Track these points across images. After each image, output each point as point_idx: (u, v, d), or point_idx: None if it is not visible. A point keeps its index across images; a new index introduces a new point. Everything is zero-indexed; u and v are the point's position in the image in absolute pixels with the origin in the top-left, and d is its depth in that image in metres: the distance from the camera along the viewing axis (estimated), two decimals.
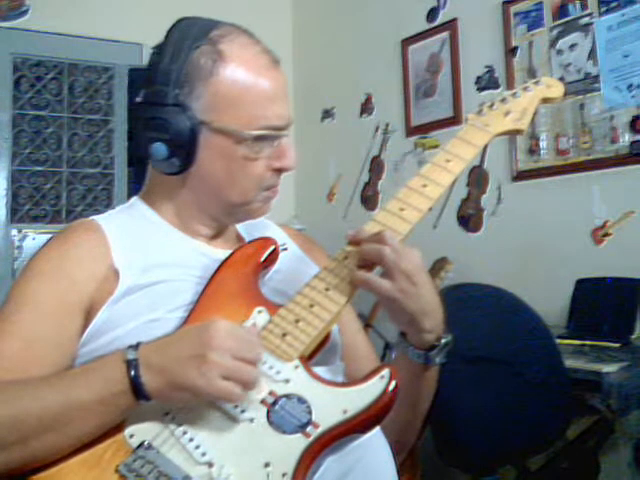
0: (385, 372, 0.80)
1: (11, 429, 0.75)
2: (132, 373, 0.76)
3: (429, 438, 1.76)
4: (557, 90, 1.05)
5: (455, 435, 1.75)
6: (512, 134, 1.05)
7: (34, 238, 3.00)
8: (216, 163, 0.93)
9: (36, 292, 0.88)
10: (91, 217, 0.99)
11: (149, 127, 0.92)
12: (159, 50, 0.95)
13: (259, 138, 0.92)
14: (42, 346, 0.85)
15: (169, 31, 0.96)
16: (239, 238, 1.08)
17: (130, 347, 0.79)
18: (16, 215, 3.06)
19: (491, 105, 1.03)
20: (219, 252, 0.98)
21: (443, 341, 0.90)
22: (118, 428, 0.79)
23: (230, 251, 0.97)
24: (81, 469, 0.77)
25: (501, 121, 1.00)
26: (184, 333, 0.82)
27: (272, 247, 0.97)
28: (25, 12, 3.05)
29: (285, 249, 1.02)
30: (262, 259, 0.95)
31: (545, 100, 1.05)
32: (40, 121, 3.12)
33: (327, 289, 0.87)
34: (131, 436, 0.78)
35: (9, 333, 0.85)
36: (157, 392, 0.77)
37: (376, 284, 0.86)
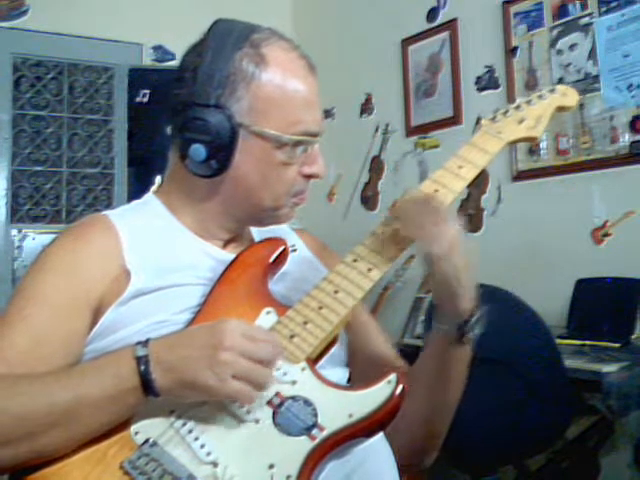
0: (392, 377, 0.80)
1: (19, 425, 0.75)
2: (142, 369, 0.76)
3: None
4: (572, 99, 1.04)
5: (455, 435, 1.75)
6: (526, 142, 1.04)
7: (34, 238, 3.00)
8: (252, 166, 0.93)
9: (47, 288, 0.88)
10: (104, 212, 0.98)
11: (187, 128, 0.91)
12: (197, 51, 0.93)
13: (297, 143, 0.92)
14: (50, 343, 0.85)
15: (207, 32, 0.94)
16: (252, 242, 1.07)
17: (139, 343, 0.78)
18: (16, 215, 3.05)
19: (505, 112, 1.02)
20: (230, 255, 0.97)
21: (480, 311, 0.90)
22: (124, 425, 0.79)
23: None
24: (86, 465, 0.77)
25: (515, 128, 1.00)
26: (195, 331, 0.82)
27: (282, 247, 0.97)
28: (25, 12, 3.05)
29: (295, 250, 1.02)
30: (271, 259, 0.95)
31: (560, 108, 1.04)
32: (40, 121, 3.12)
33: (336, 291, 0.87)
34: (136, 433, 0.78)
35: (18, 328, 0.84)
36: (167, 389, 0.77)
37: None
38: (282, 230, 1.07)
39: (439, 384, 0.94)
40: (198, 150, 0.90)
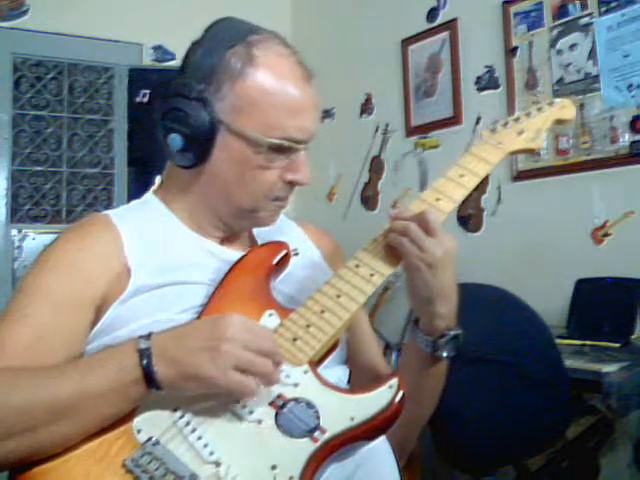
0: (393, 382, 0.81)
1: (21, 417, 0.75)
2: (144, 362, 0.76)
3: (429, 438, 1.76)
4: (570, 112, 1.06)
5: (455, 435, 1.75)
6: (525, 153, 1.06)
7: (34, 238, 3.00)
8: (229, 164, 0.94)
9: (50, 285, 0.88)
10: (105, 212, 0.99)
11: (169, 117, 0.93)
12: (196, 45, 0.95)
13: (274, 148, 0.92)
14: (53, 340, 0.85)
15: (209, 27, 0.96)
16: (252, 240, 1.08)
17: (142, 337, 0.79)
18: (16, 215, 3.05)
19: (505, 124, 1.04)
20: (231, 254, 0.98)
21: (453, 332, 0.91)
22: (126, 420, 0.79)
23: (242, 253, 0.98)
24: (87, 461, 0.77)
25: (514, 140, 1.02)
26: (198, 324, 0.83)
27: (284, 251, 0.98)
28: (25, 12, 3.05)
29: (297, 254, 1.02)
30: (274, 262, 0.96)
31: (558, 121, 1.06)
32: (40, 121, 3.12)
33: (338, 296, 0.88)
34: (139, 431, 0.79)
35: (22, 325, 0.85)
36: (169, 382, 0.77)
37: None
38: (288, 228, 1.08)
39: (412, 396, 0.94)
40: (175, 140, 0.93)
